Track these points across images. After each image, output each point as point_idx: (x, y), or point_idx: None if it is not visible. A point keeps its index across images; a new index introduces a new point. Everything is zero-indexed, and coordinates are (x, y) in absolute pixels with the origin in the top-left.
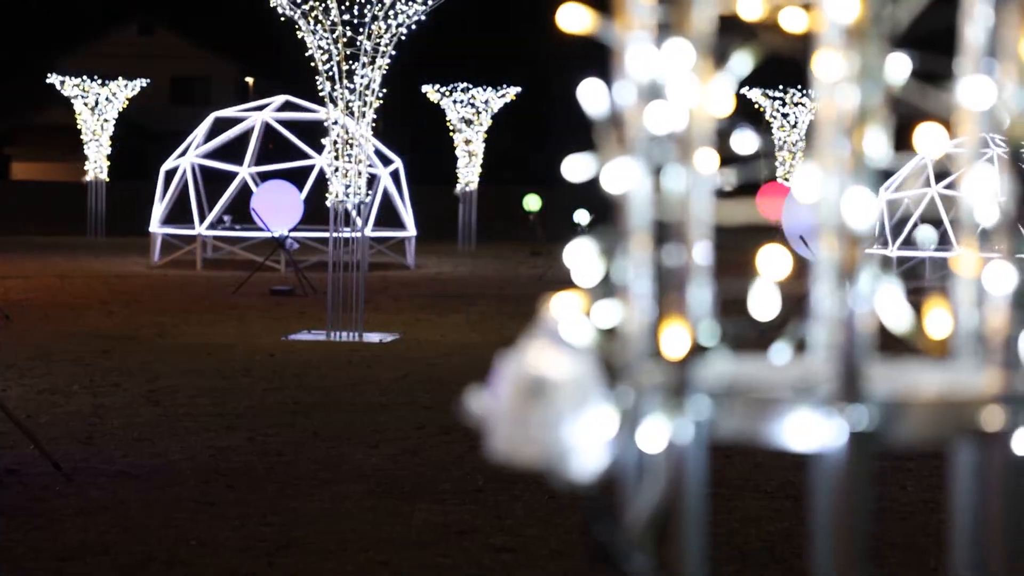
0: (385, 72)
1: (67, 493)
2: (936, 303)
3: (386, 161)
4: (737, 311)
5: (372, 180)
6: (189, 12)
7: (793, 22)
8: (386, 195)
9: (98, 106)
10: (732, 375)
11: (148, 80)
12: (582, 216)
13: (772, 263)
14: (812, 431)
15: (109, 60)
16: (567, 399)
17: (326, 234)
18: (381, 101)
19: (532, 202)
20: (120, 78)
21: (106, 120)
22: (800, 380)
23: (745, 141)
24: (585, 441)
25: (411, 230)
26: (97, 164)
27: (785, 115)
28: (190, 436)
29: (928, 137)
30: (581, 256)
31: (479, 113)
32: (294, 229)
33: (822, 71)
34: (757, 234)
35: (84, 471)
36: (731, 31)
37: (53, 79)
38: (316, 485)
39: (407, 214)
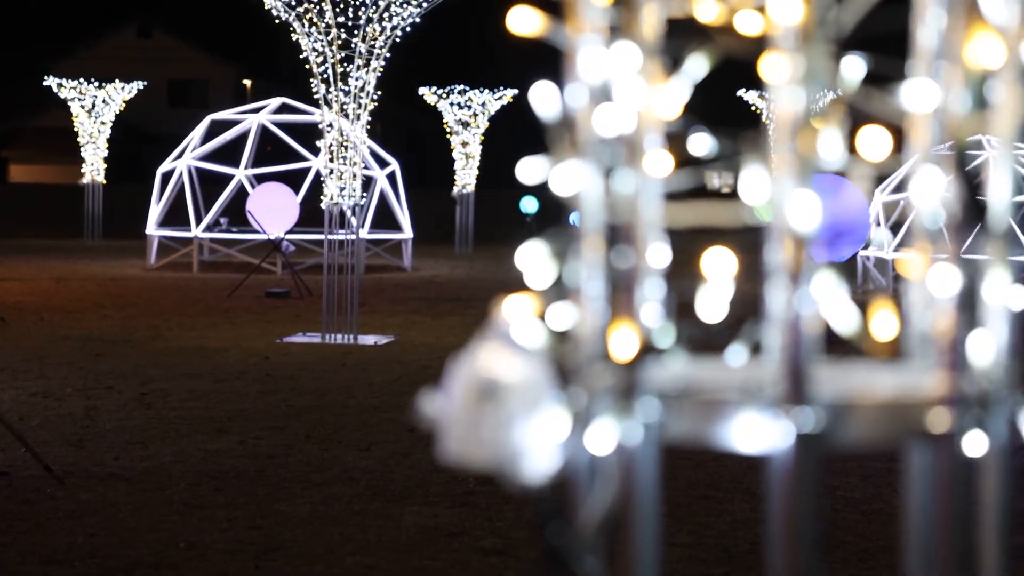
0: (380, 75)
1: (57, 496)
2: (882, 305)
3: (383, 163)
4: (694, 313)
5: (368, 183)
6: (188, 15)
7: (748, 25)
8: (383, 197)
9: (95, 109)
10: (683, 377)
11: (145, 83)
12: (578, 218)
13: (718, 265)
14: (760, 433)
15: (108, 63)
16: (519, 401)
17: (322, 236)
18: (376, 103)
19: (529, 204)
20: (117, 81)
21: (103, 123)
22: (748, 382)
23: (700, 143)
24: (537, 443)
25: (408, 232)
26: (94, 167)
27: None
28: (182, 439)
29: (873, 141)
30: (533, 258)
31: (476, 115)
32: (290, 231)
33: (770, 74)
34: (730, 236)
35: (75, 474)
36: (686, 34)
37: (50, 82)
38: (306, 488)
39: (404, 216)
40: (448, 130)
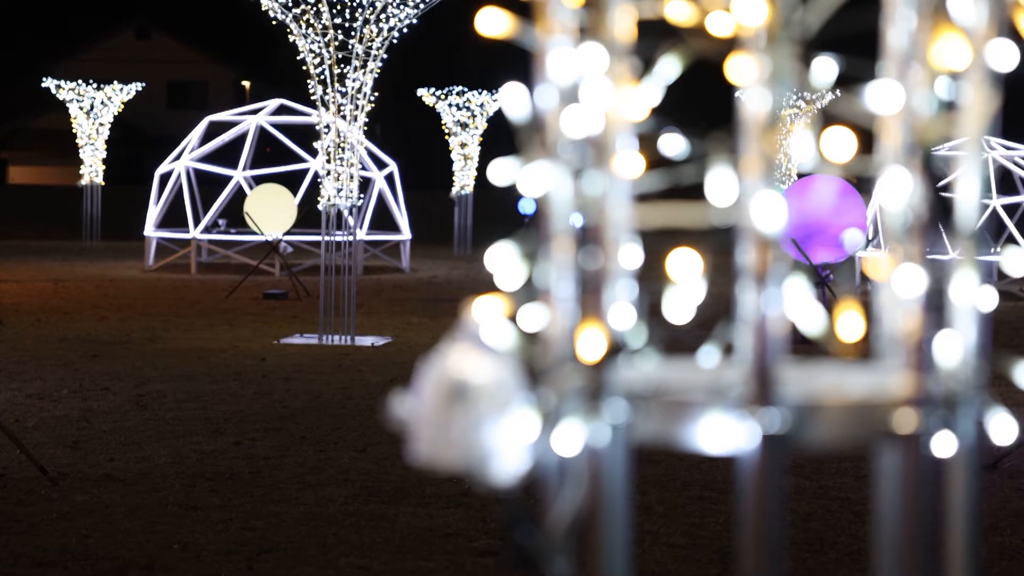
0: (377, 76)
1: (51, 497)
2: (849, 306)
3: (381, 164)
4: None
5: (366, 184)
6: (187, 16)
7: (719, 26)
8: (381, 199)
9: (93, 110)
10: (651, 378)
11: (143, 84)
12: (577, 219)
13: (683, 266)
14: (727, 434)
15: (107, 64)
16: (488, 403)
17: (320, 237)
18: (373, 105)
19: (528, 206)
20: (115, 82)
21: (101, 124)
22: (715, 383)
23: (671, 143)
24: (506, 444)
25: (406, 234)
26: (92, 168)
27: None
28: (177, 440)
29: (838, 142)
30: (503, 260)
31: (474, 116)
32: (288, 233)
33: (735, 75)
34: (706, 236)
35: (70, 475)
36: (658, 35)
37: (48, 83)
38: (301, 489)
39: (402, 218)
40: (446, 131)
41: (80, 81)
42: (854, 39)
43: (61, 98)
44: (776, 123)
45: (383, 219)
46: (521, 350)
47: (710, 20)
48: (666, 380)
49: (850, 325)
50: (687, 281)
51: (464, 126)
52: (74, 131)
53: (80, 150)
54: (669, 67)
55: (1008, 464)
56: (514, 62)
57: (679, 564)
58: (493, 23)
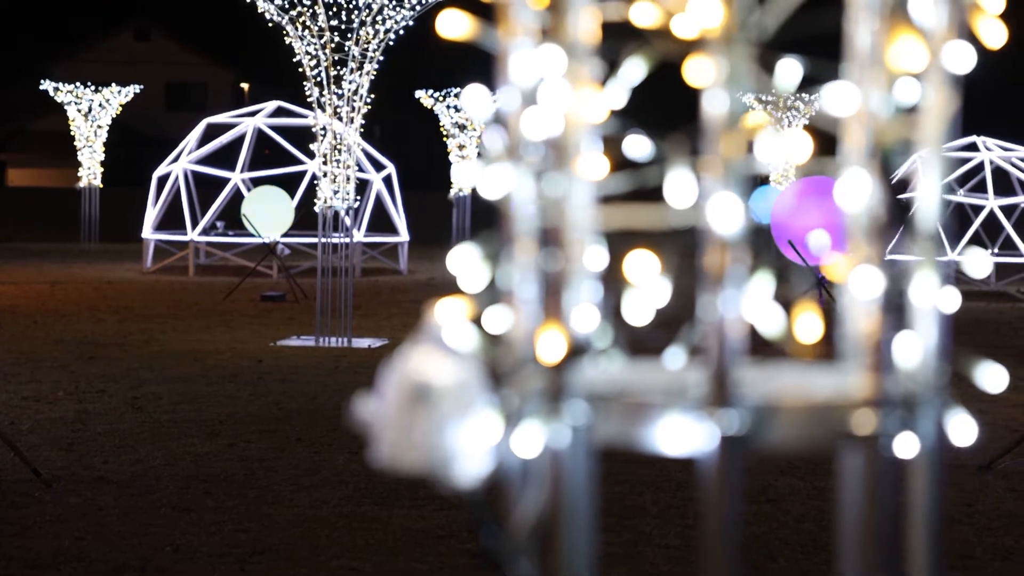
0: (375, 78)
1: (45, 500)
2: (807, 307)
3: (379, 166)
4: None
5: (363, 185)
6: (186, 18)
7: (684, 28)
8: (379, 200)
9: (91, 112)
10: (612, 379)
11: (141, 86)
12: None
13: (641, 268)
14: (686, 435)
15: (106, 66)
16: (451, 404)
17: (317, 239)
18: (370, 107)
19: None
20: (113, 84)
21: (100, 126)
22: (675, 385)
23: (637, 145)
24: (469, 446)
25: (404, 235)
26: (91, 170)
27: (779, 119)
28: (172, 442)
29: (797, 144)
30: (465, 262)
31: (472, 118)
32: (286, 235)
33: (693, 77)
34: (675, 238)
35: (64, 478)
36: (622, 37)
37: (46, 85)
38: (295, 491)
39: (400, 219)
40: (445, 133)
41: (78, 83)
42: (814, 41)
43: (59, 100)
44: (737, 124)
45: (381, 221)
46: (484, 352)
47: (674, 22)
48: (627, 381)
49: (808, 326)
50: (646, 283)
51: (462, 128)
52: (72, 133)
53: (78, 152)
54: (634, 69)
55: (1003, 465)
56: (476, 64)
57: (673, 565)
58: (454, 25)
